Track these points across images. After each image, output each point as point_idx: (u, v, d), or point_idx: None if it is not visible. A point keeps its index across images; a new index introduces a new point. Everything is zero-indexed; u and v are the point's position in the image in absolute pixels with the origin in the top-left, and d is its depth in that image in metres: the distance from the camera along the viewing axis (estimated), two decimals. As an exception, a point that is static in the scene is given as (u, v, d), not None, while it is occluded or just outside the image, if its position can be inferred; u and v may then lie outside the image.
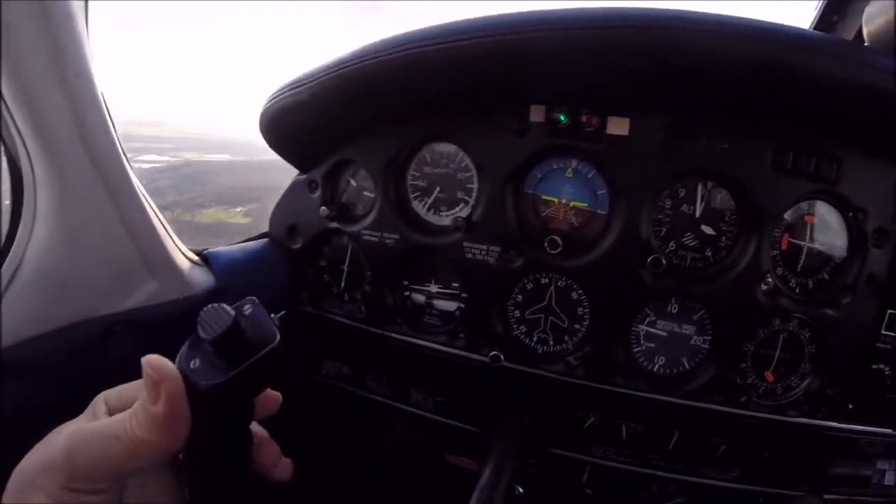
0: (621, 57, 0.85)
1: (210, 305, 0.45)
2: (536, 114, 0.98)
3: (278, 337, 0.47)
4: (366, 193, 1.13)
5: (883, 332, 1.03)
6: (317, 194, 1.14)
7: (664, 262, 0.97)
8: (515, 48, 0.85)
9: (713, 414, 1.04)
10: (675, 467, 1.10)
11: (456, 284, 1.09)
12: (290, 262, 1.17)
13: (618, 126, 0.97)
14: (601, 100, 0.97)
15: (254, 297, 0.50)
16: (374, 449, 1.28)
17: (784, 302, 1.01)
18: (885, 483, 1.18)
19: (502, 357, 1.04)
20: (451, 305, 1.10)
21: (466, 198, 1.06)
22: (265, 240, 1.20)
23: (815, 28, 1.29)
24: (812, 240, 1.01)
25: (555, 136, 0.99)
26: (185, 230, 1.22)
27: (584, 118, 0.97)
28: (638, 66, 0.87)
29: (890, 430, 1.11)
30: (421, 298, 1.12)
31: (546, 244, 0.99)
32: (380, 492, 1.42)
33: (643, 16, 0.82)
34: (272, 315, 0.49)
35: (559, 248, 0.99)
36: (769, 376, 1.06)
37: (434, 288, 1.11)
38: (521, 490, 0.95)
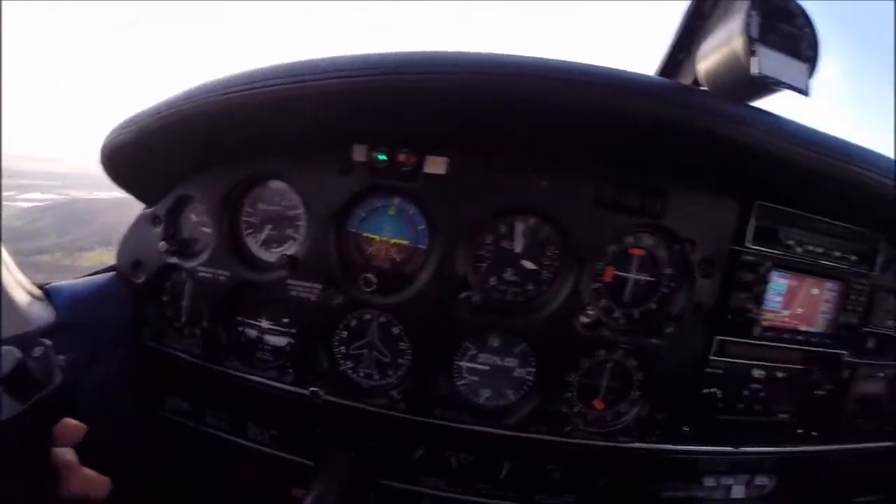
0: (437, 99, 0.87)
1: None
2: (359, 153, 0.99)
3: (59, 379, 0.55)
4: (204, 229, 1.13)
5: (712, 357, 1.04)
6: (159, 229, 1.14)
7: (476, 298, 0.97)
8: (336, 91, 0.86)
9: (537, 443, 1.05)
10: (507, 496, 1.11)
11: (286, 320, 1.10)
12: (134, 296, 1.18)
13: (435, 165, 0.97)
14: (420, 139, 0.97)
15: (47, 339, 0.58)
16: (220, 486, 1.29)
17: (607, 333, 1.01)
18: (733, 497, 1.20)
19: (321, 392, 1.05)
20: (281, 341, 1.11)
21: (295, 235, 1.07)
22: (112, 273, 1.20)
23: (661, 70, 1.28)
24: (638, 271, 1.02)
25: (375, 176, 0.99)
26: (65, 277, 1.22)
27: (401, 157, 0.97)
28: (454, 108, 0.88)
29: (730, 448, 1.13)
30: (253, 334, 1.12)
31: (361, 282, 0.99)
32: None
33: (463, 61, 0.83)
34: (60, 356, 0.57)
35: (374, 286, 0.99)
36: (598, 404, 1.07)
37: (265, 324, 1.11)
38: None
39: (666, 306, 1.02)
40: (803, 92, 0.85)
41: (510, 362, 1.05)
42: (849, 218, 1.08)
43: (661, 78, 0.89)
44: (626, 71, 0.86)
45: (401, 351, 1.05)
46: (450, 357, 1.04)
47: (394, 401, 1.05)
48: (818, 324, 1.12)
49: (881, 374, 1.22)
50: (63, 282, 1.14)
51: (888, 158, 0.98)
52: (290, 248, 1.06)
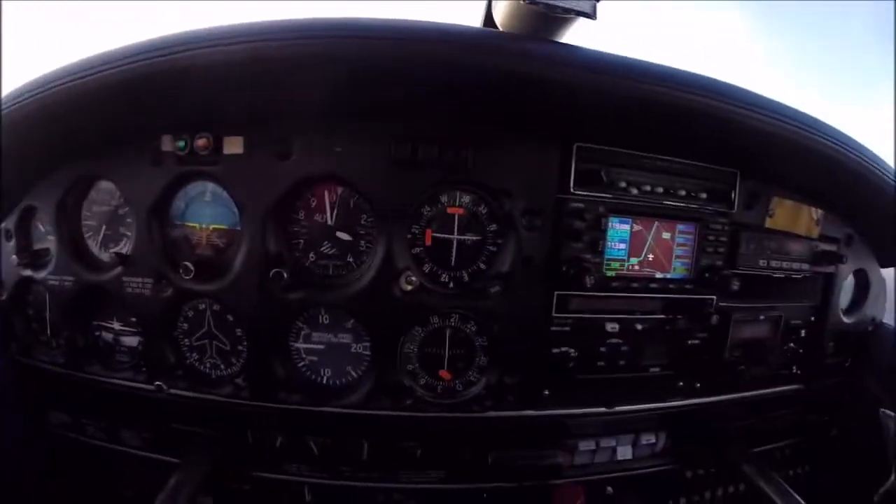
0: (219, 76, 0.84)
1: None
2: (166, 143, 0.98)
3: None
4: (51, 238, 1.14)
5: (554, 314, 0.99)
6: (11, 243, 1.17)
7: (286, 274, 0.95)
8: (124, 79, 0.85)
9: (383, 419, 1.02)
10: (371, 476, 1.08)
11: (133, 319, 1.10)
12: None
13: (232, 145, 0.96)
14: (217, 122, 0.96)
15: None
16: (114, 497, 1.29)
17: (433, 299, 0.98)
18: (620, 458, 1.14)
19: (165, 387, 1.05)
20: (133, 341, 1.11)
21: (127, 233, 1.07)
22: None
23: (484, 21, 1.23)
24: (463, 232, 0.98)
25: (182, 164, 0.98)
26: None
27: (199, 142, 0.96)
28: (239, 83, 0.86)
29: (603, 409, 1.07)
30: (110, 336, 1.13)
31: (181, 271, 0.99)
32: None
33: (240, 32, 0.80)
34: None
35: (192, 274, 0.98)
36: (444, 374, 1.03)
37: (117, 325, 1.12)
38: None
39: (494, 265, 0.98)
40: (588, 15, 0.79)
41: (344, 338, 1.02)
42: (690, 154, 1.01)
43: (448, 23, 0.84)
44: (410, 20, 0.82)
45: (238, 338, 1.04)
46: (283, 339, 1.02)
47: (239, 388, 1.04)
48: (675, 269, 1.05)
49: (762, 318, 1.14)
50: None
51: (726, 84, 0.90)
52: (124, 247, 1.07)
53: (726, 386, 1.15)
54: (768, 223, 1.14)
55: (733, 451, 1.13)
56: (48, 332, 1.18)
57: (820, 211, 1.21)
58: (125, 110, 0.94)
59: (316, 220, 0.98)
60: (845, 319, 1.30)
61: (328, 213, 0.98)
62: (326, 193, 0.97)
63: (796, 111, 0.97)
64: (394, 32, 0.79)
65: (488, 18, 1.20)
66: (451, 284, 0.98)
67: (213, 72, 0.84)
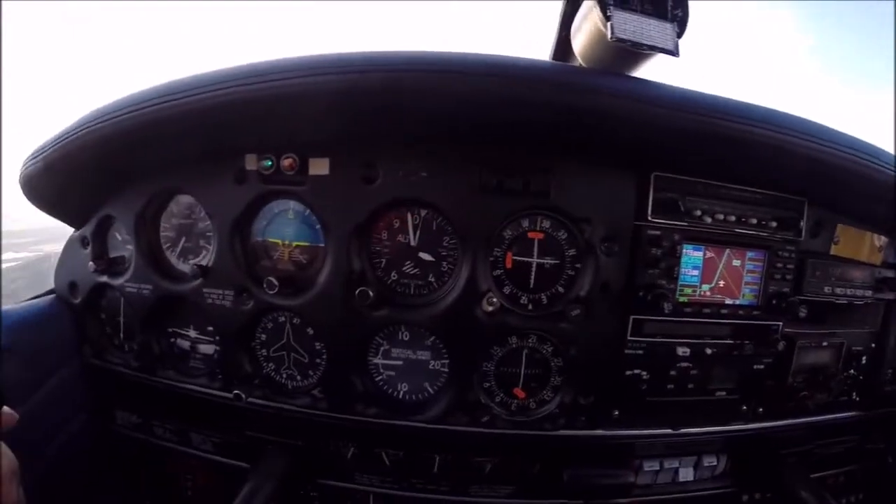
0: (314, 103, 0.87)
1: None
2: (250, 162, 1.01)
3: None
4: (128, 247, 1.17)
5: (629, 338, 1.01)
6: (88, 250, 1.20)
7: (372, 292, 0.97)
8: (212, 106, 0.88)
9: (459, 435, 1.04)
10: (442, 489, 1.10)
11: (210, 328, 1.13)
12: (73, 316, 1.24)
13: (318, 167, 0.99)
14: (305, 143, 0.98)
15: None
16: (178, 495, 1.32)
17: (513, 320, 1.00)
18: (681, 479, 1.16)
19: (244, 395, 1.07)
20: (209, 349, 1.14)
21: (207, 246, 1.10)
22: (52, 296, 1.27)
23: (553, 54, 1.25)
24: (542, 255, 1.00)
25: (267, 182, 1.01)
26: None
27: (286, 162, 0.98)
28: (333, 110, 0.89)
29: (669, 430, 1.09)
30: (186, 344, 1.16)
31: (265, 286, 1.01)
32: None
33: (334, 62, 0.83)
34: None
35: (276, 289, 1.01)
36: (519, 393, 1.06)
37: (193, 333, 1.15)
38: None
39: (573, 289, 1.00)
40: (671, 52, 0.81)
41: (423, 355, 1.05)
42: (760, 183, 1.03)
43: (532, 59, 0.86)
44: (495, 56, 0.85)
45: (317, 351, 1.07)
46: (363, 353, 1.05)
47: (316, 399, 1.07)
48: (744, 296, 1.07)
49: (825, 344, 1.16)
50: (5, 306, 1.20)
51: (788, 115, 0.93)
52: (204, 259, 1.10)
53: (788, 411, 1.16)
54: (833, 250, 1.16)
55: (791, 475, 1.15)
56: (121, 336, 1.22)
57: (883, 238, 1.22)
58: (214, 132, 0.96)
59: (399, 241, 1.01)
60: None
61: (411, 234, 1.00)
62: (409, 215, 1.00)
63: (861, 142, 0.99)
64: (492, 69, 0.82)
65: (560, 48, 1.23)
66: (530, 306, 1.01)
67: (305, 100, 0.87)
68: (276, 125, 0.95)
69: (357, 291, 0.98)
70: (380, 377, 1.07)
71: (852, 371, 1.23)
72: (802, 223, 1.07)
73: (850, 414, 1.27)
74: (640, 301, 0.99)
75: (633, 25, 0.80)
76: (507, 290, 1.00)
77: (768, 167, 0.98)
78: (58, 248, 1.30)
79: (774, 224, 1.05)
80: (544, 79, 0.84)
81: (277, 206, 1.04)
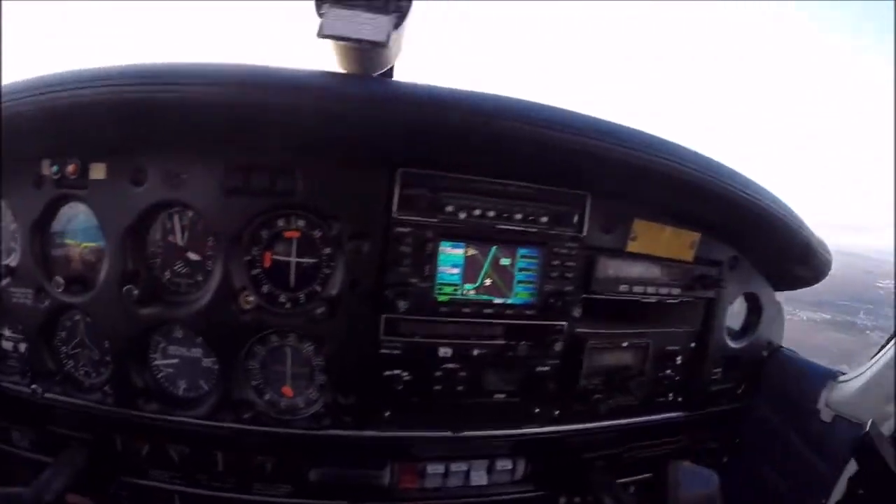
0: (84, 114, 0.94)
1: None
2: (45, 167, 1.08)
3: None
4: None
5: (384, 337, 1.01)
6: None
7: (136, 291, 1.01)
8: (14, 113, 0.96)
9: (228, 432, 1.06)
10: (226, 486, 1.12)
11: (20, 327, 1.20)
12: None
13: (97, 172, 1.04)
14: (87, 149, 1.05)
15: None
16: None
17: (271, 318, 1.02)
18: (474, 483, 1.14)
19: (40, 391, 1.13)
20: (22, 347, 1.20)
21: (16, 247, 1.17)
22: None
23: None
24: (302, 254, 1.02)
25: (58, 186, 1.08)
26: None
27: (69, 168, 1.05)
28: (90, 118, 0.96)
29: (449, 433, 1.08)
30: (10, 344, 1.23)
31: (52, 284, 1.08)
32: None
33: (104, 75, 0.90)
34: None
35: (62, 287, 1.06)
36: (287, 391, 1.07)
37: (7, 332, 1.22)
38: None
39: (327, 287, 1.01)
40: (380, 44, 0.83)
41: (196, 353, 1.08)
42: (532, 177, 1.01)
43: (270, 66, 0.91)
44: (230, 65, 0.91)
45: (107, 348, 1.12)
46: (142, 350, 1.09)
47: (106, 395, 1.11)
48: (518, 294, 1.04)
49: (625, 345, 1.11)
50: None
51: (542, 107, 0.93)
52: (14, 260, 1.17)
53: (586, 414, 1.12)
54: (631, 247, 1.12)
55: (596, 480, 1.10)
56: None
57: (697, 234, 1.17)
58: (11, 139, 1.04)
59: (170, 241, 1.05)
60: (733, 345, 1.25)
61: (179, 235, 1.04)
62: (177, 217, 1.04)
63: (631, 132, 0.97)
64: (226, 77, 0.88)
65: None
66: (289, 305, 1.02)
67: (75, 111, 0.93)
68: (55, 133, 1.02)
69: (125, 289, 1.02)
70: (160, 374, 1.10)
71: (668, 371, 1.18)
72: (580, 218, 1.05)
73: (674, 415, 1.21)
74: (387, 300, 0.98)
75: (346, 21, 0.83)
76: (265, 288, 1.02)
77: (530, 161, 0.98)
78: None
79: (545, 219, 1.03)
80: (274, 84, 0.88)
81: (71, 209, 1.11)
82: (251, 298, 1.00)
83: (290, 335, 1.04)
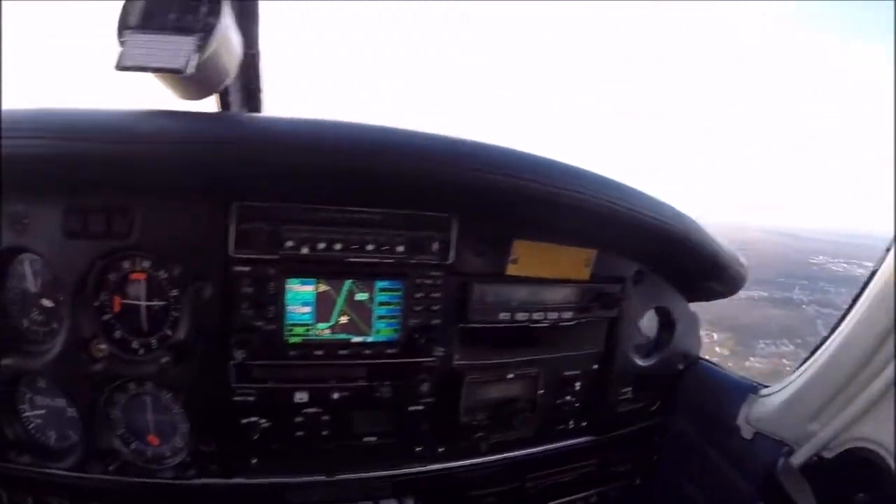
0: None
1: None
2: None
3: None
4: None
5: (235, 385, 0.95)
6: None
7: None
8: None
9: (97, 483, 1.03)
10: None
11: None
12: None
13: None
14: None
15: None
16: None
17: (124, 368, 0.97)
18: None
19: None
20: None
21: None
22: None
23: None
24: (149, 297, 0.97)
25: None
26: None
27: None
28: None
29: (323, 477, 1.01)
30: None
31: None
32: None
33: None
34: None
35: None
36: (153, 440, 1.03)
37: None
38: None
39: (177, 331, 0.96)
40: (179, 71, 0.76)
41: (59, 402, 1.05)
42: (390, 203, 0.92)
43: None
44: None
45: None
46: (10, 400, 1.06)
47: None
48: (379, 332, 0.96)
49: (511, 376, 1.02)
50: None
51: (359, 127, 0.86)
52: None
53: (470, 450, 1.04)
54: (511, 270, 1.01)
55: None
56: None
57: (593, 251, 1.05)
58: None
59: (25, 288, 1.01)
60: (642, 363, 1.14)
61: (31, 281, 1.01)
62: (27, 262, 1.00)
63: (492, 151, 0.87)
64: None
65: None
66: (142, 351, 0.97)
67: None
68: None
69: None
70: (31, 425, 1.08)
71: (568, 398, 1.08)
72: (446, 242, 0.95)
73: (580, 440, 1.12)
74: (234, 345, 0.92)
75: (145, 49, 0.77)
76: (118, 334, 0.97)
77: (378, 188, 0.89)
78: None
79: (402, 248, 0.94)
80: (98, 131, 0.85)
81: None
82: (103, 346, 0.96)
83: (146, 382, 0.99)
